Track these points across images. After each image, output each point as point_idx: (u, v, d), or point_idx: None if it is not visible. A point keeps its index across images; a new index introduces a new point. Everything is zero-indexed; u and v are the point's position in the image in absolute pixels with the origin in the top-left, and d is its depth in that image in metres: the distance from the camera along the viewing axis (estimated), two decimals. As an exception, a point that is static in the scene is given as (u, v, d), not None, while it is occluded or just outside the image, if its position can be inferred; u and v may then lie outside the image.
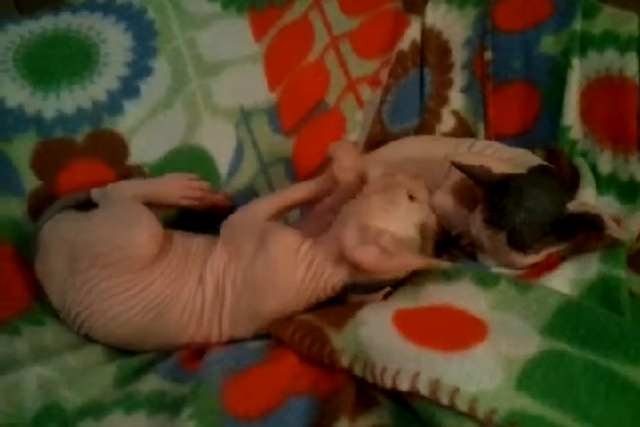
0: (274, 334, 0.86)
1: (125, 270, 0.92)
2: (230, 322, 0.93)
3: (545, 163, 1.05)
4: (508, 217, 0.94)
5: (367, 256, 0.88)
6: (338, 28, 1.29)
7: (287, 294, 0.92)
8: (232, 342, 0.93)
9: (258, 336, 0.92)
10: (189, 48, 1.19)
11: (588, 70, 1.14)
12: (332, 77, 1.28)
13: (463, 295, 0.86)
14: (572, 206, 0.94)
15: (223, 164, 1.20)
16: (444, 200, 1.06)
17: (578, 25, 1.15)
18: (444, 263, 0.91)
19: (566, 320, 0.78)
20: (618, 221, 1.00)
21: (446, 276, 0.90)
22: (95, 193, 1.02)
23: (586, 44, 1.14)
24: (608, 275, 0.89)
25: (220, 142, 1.20)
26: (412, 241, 0.92)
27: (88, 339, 0.95)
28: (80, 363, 0.88)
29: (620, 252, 0.92)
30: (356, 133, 1.29)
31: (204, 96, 1.20)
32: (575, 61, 1.14)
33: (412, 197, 0.95)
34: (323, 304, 0.95)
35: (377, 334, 0.79)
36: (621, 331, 0.74)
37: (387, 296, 0.91)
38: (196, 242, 0.99)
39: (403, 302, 0.88)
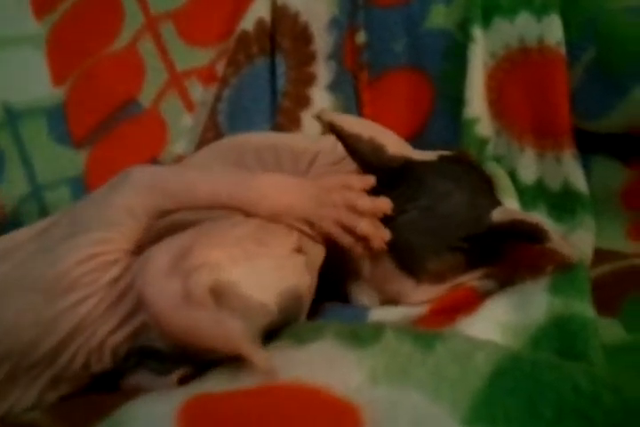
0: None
1: None
2: None
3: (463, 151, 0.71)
4: (398, 220, 0.57)
5: (159, 293, 0.48)
6: (157, 6, 0.95)
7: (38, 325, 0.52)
8: None
9: None
10: None
11: (494, 44, 0.82)
12: (148, 70, 0.94)
13: (320, 364, 0.46)
14: (497, 214, 0.59)
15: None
16: None
17: (477, -12, 0.84)
18: (264, 357, 0.50)
19: (515, 394, 0.39)
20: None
21: (293, 337, 0.50)
22: None
23: (490, 11, 0.83)
24: (566, 314, 0.52)
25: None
26: (256, 309, 0.51)
27: None
28: None
29: (579, 277, 0.55)
30: (182, 144, 0.94)
31: (-54, 88, 0.82)
32: (477, 32, 0.82)
33: (300, 251, 0.57)
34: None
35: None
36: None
37: (184, 381, 0.50)
38: None
39: (210, 381, 0.47)
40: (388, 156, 0.61)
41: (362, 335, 0.47)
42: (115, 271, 0.54)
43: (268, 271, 0.54)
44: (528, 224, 0.58)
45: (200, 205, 0.57)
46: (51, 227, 0.58)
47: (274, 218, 0.56)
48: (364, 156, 0.61)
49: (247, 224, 0.56)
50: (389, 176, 0.60)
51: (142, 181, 0.57)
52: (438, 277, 0.59)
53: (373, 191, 0.60)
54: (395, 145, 0.63)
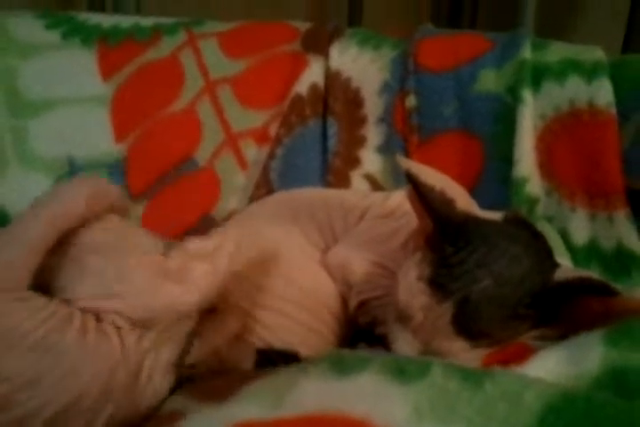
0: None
1: None
2: None
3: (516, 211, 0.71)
4: (465, 279, 0.56)
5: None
6: (217, 72, 0.99)
7: None
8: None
9: None
10: (4, 79, 0.90)
11: (544, 107, 0.84)
12: (206, 130, 0.96)
13: (364, 396, 0.45)
14: (560, 274, 0.58)
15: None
16: (350, 257, 0.70)
17: (527, 53, 0.86)
18: None
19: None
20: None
21: (337, 366, 0.49)
22: None
23: (540, 74, 0.85)
24: (623, 366, 0.49)
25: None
26: None
27: None
28: None
29: (636, 330, 0.53)
30: (234, 200, 0.95)
31: (16, 141, 0.91)
32: (527, 94, 0.84)
33: None
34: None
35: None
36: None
37: None
38: None
39: (252, 407, 0.46)
40: (457, 210, 0.61)
41: (408, 370, 0.46)
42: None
43: None
44: (594, 280, 0.57)
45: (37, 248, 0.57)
46: None
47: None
48: (433, 206, 0.60)
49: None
50: (455, 230, 0.59)
51: None
52: (496, 342, 0.57)
53: (437, 245, 0.59)
54: (464, 201, 0.64)
